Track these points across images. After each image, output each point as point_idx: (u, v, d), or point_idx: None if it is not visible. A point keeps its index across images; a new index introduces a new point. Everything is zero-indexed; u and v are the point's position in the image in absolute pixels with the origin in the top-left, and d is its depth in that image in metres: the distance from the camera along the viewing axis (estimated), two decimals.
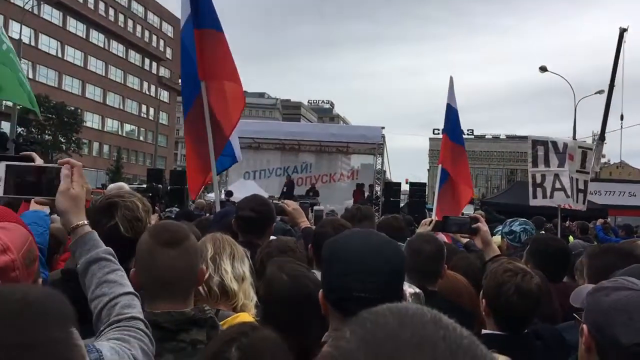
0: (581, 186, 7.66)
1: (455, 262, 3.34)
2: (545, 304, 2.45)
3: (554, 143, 7.58)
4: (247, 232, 3.10)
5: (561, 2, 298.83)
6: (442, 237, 4.56)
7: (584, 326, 1.51)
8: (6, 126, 38.90)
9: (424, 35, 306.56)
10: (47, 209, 4.73)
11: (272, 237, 3.65)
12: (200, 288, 1.96)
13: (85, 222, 1.60)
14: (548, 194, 7.51)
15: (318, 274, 2.67)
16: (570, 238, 9.63)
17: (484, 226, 3.20)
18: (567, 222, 11.92)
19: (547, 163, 7.48)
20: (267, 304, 2.01)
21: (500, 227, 4.46)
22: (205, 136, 5.48)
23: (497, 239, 4.33)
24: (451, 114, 7.49)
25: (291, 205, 3.92)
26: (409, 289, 2.08)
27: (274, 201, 4.46)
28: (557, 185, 7.46)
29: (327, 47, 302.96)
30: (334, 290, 1.38)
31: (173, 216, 6.06)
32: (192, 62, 5.48)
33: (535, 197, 7.62)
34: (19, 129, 39.39)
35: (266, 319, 1.98)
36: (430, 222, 3.95)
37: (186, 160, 5.83)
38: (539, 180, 7.55)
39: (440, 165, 7.40)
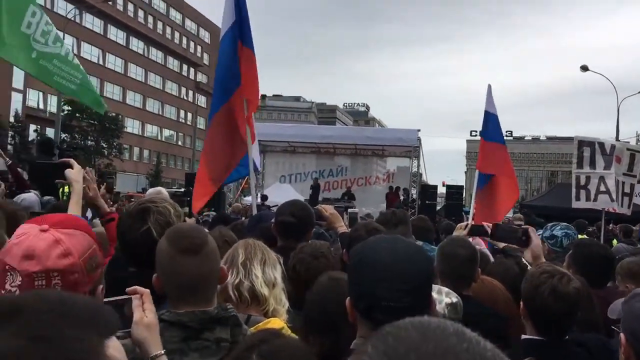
0: (627, 189, 7.43)
1: (492, 267, 3.28)
2: (586, 310, 2.38)
3: (601, 144, 7.37)
4: (287, 236, 3.11)
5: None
6: (478, 241, 4.49)
7: (622, 335, 1.47)
8: (50, 132, 40.14)
9: (459, 36, 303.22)
10: (88, 214, 4.82)
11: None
12: (231, 293, 1.97)
13: (162, 351, 1.55)
14: (592, 196, 7.31)
15: None
16: (614, 242, 9.36)
17: (536, 239, 3.08)
18: (610, 225, 11.58)
19: (592, 165, 7.28)
20: (311, 309, 2.01)
21: (540, 231, 4.33)
22: (228, 143, 5.55)
23: None
24: (490, 120, 7.39)
25: (328, 209, 3.94)
26: (445, 298, 2.04)
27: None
28: (602, 188, 7.25)
29: (361, 50, 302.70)
30: (362, 298, 1.36)
31: (210, 220, 6.12)
32: (227, 71, 5.58)
33: (578, 199, 7.42)
34: (63, 135, 40.59)
35: (307, 324, 1.98)
36: (466, 226, 3.88)
37: (198, 168, 5.79)
38: (583, 182, 7.35)
39: (477, 171, 7.33)
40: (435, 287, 2.08)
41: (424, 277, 1.37)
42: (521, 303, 2.30)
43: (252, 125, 5.72)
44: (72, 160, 2.67)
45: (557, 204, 17.42)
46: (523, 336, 2.25)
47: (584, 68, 33.47)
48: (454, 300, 2.04)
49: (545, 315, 2.18)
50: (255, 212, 5.63)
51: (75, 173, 2.63)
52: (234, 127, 5.58)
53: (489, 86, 7.59)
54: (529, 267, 3.39)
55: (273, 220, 3.27)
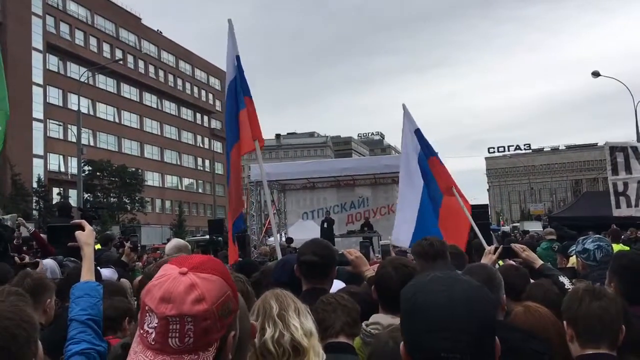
0: None
1: (530, 291, 3.15)
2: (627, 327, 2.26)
3: (634, 148, 7.14)
4: (311, 276, 3.06)
5: (605, 4, 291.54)
6: (511, 263, 4.33)
7: None
8: (73, 194, 40.80)
9: (461, 60, 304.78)
10: (112, 273, 4.71)
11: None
12: (272, 347, 1.88)
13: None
14: (633, 202, 7.04)
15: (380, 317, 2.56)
16: None
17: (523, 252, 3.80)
18: None
19: (628, 169, 7.05)
20: None
21: (573, 247, 4.17)
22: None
23: (574, 259, 4.08)
24: (421, 136, 7.15)
25: (353, 253, 3.85)
26: None
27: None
28: None
29: (369, 81, 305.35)
30: (418, 349, 1.23)
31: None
32: (235, 116, 5.98)
33: (618, 206, 7.14)
34: (86, 195, 41.23)
35: None
36: (495, 249, 3.75)
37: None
38: (621, 188, 7.09)
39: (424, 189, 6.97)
40: None
41: (487, 322, 1.23)
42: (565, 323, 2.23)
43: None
44: (84, 222, 2.50)
45: (587, 213, 17.04)
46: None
47: (596, 74, 33.18)
48: None
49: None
50: (279, 254, 5.54)
51: (86, 235, 2.45)
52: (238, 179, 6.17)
53: (404, 105, 7.33)
54: (566, 284, 3.26)
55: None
